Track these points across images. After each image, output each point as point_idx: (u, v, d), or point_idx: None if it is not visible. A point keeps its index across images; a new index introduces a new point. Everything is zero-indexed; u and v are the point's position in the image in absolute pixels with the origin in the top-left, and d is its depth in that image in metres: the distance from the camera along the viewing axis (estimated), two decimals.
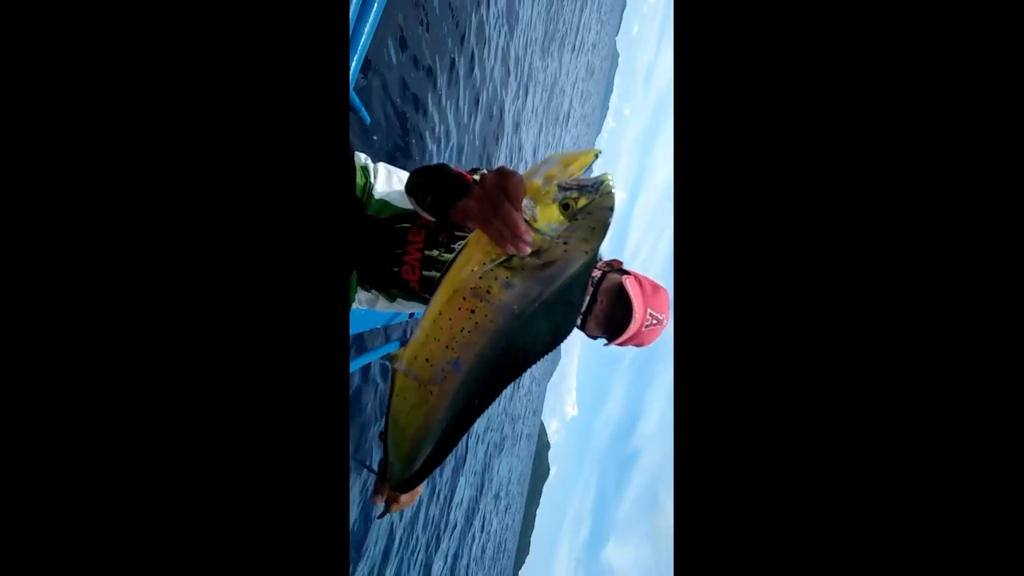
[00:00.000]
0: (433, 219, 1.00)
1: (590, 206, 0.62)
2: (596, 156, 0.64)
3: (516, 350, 0.70)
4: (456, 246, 1.00)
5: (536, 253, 0.63)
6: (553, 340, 0.71)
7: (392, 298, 1.22)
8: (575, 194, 0.61)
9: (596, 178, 0.62)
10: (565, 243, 0.63)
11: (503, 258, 0.64)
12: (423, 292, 1.14)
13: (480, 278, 0.66)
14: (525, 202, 0.61)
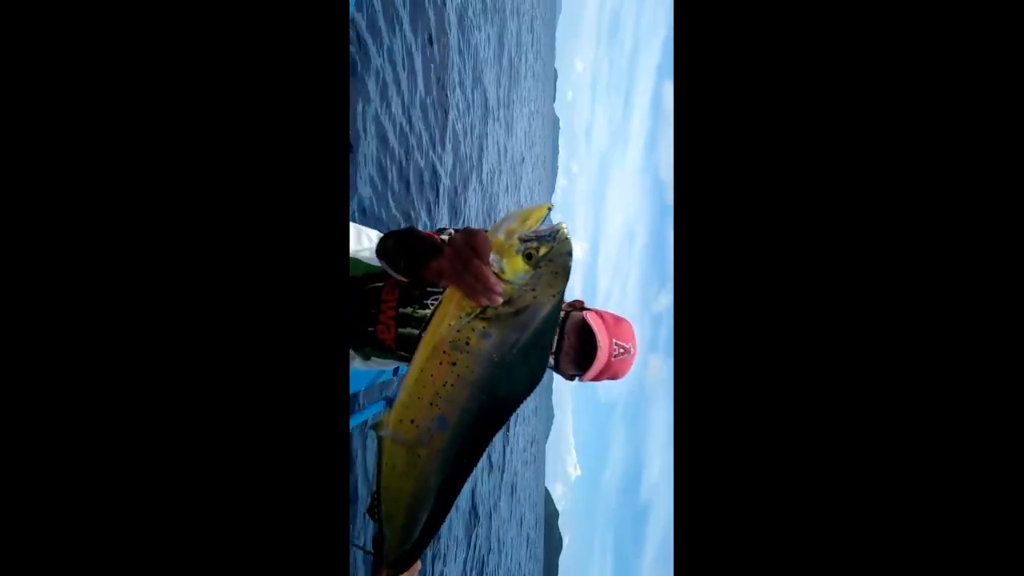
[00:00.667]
0: (406, 280, 0.98)
1: (550, 253, 0.66)
2: (549, 209, 0.68)
3: (498, 398, 0.71)
4: (431, 302, 1.08)
5: (508, 303, 0.67)
6: (531, 383, 0.72)
7: (367, 357, 1.19)
8: (535, 244, 0.66)
9: (552, 228, 0.67)
10: (533, 290, 0.67)
11: (478, 310, 0.67)
12: (399, 350, 1.12)
13: (458, 331, 0.68)
14: (492, 256, 0.65)
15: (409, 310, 1.11)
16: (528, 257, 0.66)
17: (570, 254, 0.68)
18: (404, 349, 1.13)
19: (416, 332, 1.08)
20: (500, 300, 0.65)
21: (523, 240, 0.66)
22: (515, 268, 0.66)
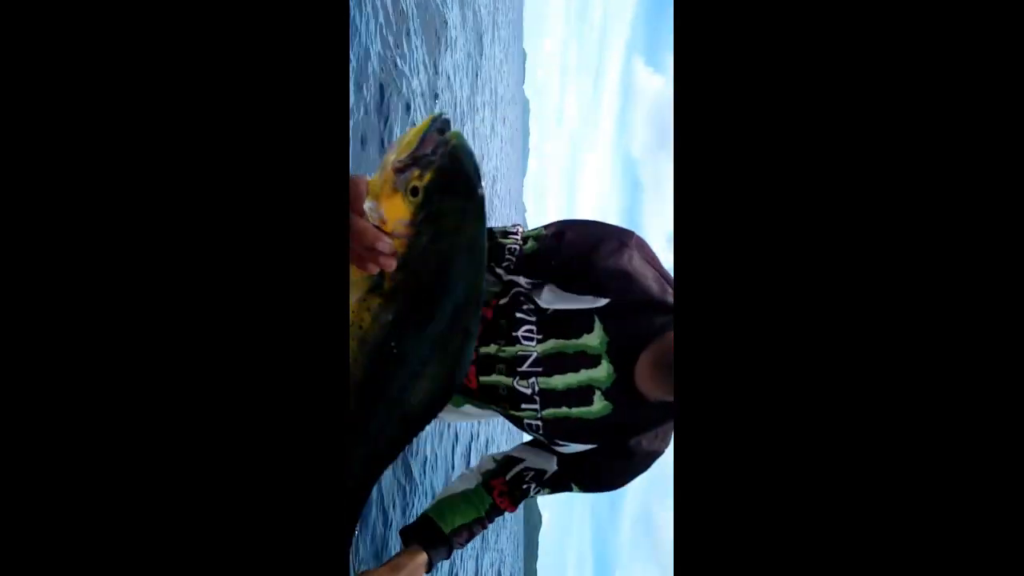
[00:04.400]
0: None
1: (440, 177, 0.45)
2: (434, 119, 0.46)
3: (396, 405, 0.51)
4: (522, 334, 0.84)
5: (403, 266, 0.47)
6: (449, 384, 0.51)
7: (457, 404, 1.01)
8: (416, 171, 0.45)
9: (436, 141, 0.46)
10: (430, 239, 0.46)
11: (372, 283, 0.48)
12: (483, 399, 0.91)
13: (351, 313, 0.49)
14: (367, 204, 0.46)
15: (492, 349, 0.85)
16: (413, 193, 0.46)
17: (470, 175, 0.46)
18: (491, 401, 0.90)
19: (506, 381, 0.84)
20: (393, 263, 0.46)
21: (399, 170, 0.46)
22: (396, 212, 0.46)
